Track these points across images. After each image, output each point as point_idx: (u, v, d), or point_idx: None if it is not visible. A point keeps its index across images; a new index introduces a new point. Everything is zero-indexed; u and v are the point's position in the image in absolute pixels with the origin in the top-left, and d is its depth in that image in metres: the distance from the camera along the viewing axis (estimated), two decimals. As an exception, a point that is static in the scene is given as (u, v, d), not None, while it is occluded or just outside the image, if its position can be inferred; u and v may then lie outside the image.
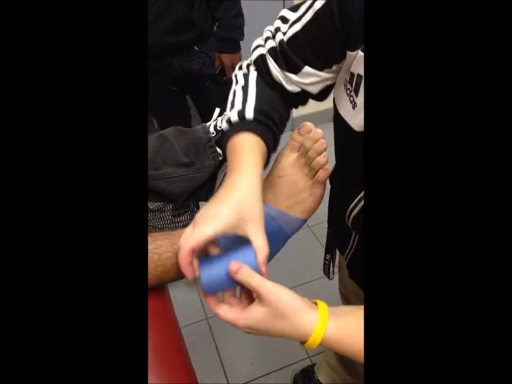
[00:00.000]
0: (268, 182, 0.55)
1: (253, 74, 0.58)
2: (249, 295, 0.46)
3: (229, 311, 0.43)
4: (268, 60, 0.56)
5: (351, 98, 0.49)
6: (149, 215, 1.28)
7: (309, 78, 0.54)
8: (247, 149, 0.49)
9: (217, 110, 0.80)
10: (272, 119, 0.54)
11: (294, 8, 0.54)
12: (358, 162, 0.48)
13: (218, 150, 0.73)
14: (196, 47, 1.38)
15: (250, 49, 0.60)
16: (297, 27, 0.52)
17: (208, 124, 0.79)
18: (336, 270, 0.84)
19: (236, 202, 0.44)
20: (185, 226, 0.62)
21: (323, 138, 0.52)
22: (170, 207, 1.32)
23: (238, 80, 0.58)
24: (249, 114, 0.52)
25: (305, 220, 0.56)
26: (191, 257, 0.43)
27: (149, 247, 0.55)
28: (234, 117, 0.53)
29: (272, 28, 0.57)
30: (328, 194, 0.63)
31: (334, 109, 0.55)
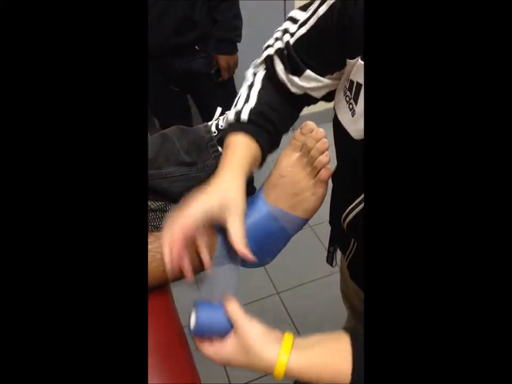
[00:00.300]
0: (270, 182, 0.55)
1: (261, 74, 0.60)
2: None
3: (209, 346, 0.45)
4: (275, 60, 0.57)
5: (350, 106, 0.49)
6: (150, 214, 1.29)
7: (311, 82, 0.55)
8: (236, 149, 0.53)
9: (219, 110, 0.80)
10: (270, 120, 0.56)
11: (304, 8, 0.55)
12: (355, 168, 0.50)
13: (220, 149, 0.73)
14: (197, 47, 1.39)
15: (258, 50, 0.61)
16: (303, 30, 0.53)
17: (210, 123, 0.79)
18: (337, 275, 0.84)
19: (218, 192, 0.48)
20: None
21: (325, 138, 0.52)
22: (172, 206, 1.32)
23: (247, 79, 0.61)
24: (245, 115, 0.55)
25: (307, 219, 0.56)
26: (183, 243, 0.46)
27: (152, 246, 0.55)
28: (231, 117, 0.56)
29: (282, 28, 0.58)
30: (330, 193, 0.63)
31: (334, 114, 0.55)
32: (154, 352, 0.52)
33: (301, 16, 0.54)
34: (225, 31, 1.38)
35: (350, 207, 0.54)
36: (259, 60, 0.61)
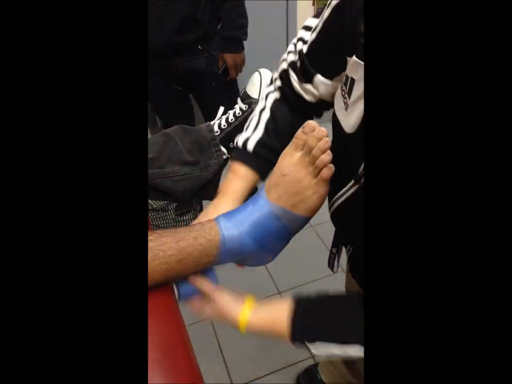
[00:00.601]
0: (271, 180, 0.55)
1: (272, 96, 0.65)
2: None
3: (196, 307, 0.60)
4: (290, 73, 0.61)
5: (345, 100, 0.51)
6: (152, 214, 1.29)
7: (320, 87, 0.58)
8: (237, 179, 0.63)
9: (221, 109, 0.80)
10: (274, 150, 0.62)
11: (318, 15, 0.57)
12: (343, 161, 0.52)
13: (223, 148, 0.73)
14: (200, 47, 1.39)
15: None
16: (314, 36, 0.56)
17: (212, 122, 0.79)
18: (344, 267, 0.85)
19: None
20: (188, 225, 0.62)
21: (327, 137, 0.52)
22: (174, 206, 1.32)
23: (261, 99, 0.67)
24: (250, 146, 0.62)
25: (309, 218, 0.56)
26: None
27: (154, 244, 0.55)
28: (240, 143, 0.64)
29: (295, 40, 0.62)
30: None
31: (333, 112, 0.56)
32: (157, 351, 0.52)
33: (314, 23, 0.57)
34: (231, 30, 1.38)
35: (335, 198, 0.57)
36: (275, 75, 0.65)
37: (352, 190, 0.54)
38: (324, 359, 1.22)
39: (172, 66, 1.42)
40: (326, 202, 0.59)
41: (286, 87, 0.63)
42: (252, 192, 0.64)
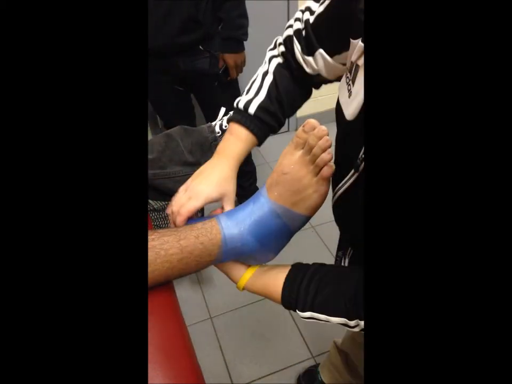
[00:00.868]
0: (272, 179, 0.55)
1: (275, 61, 0.64)
2: None
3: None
4: (294, 41, 0.61)
5: (349, 87, 0.51)
6: (153, 214, 1.29)
7: (319, 61, 0.58)
8: (236, 140, 0.62)
9: (223, 110, 0.80)
10: (274, 116, 0.62)
11: None
12: (345, 150, 0.52)
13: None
14: (201, 47, 1.39)
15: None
16: (321, 8, 0.56)
17: (213, 123, 0.79)
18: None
19: (217, 182, 0.59)
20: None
21: (327, 136, 0.52)
22: (174, 206, 1.32)
23: (265, 62, 0.66)
24: (252, 109, 0.62)
25: (310, 217, 0.56)
26: (186, 221, 0.59)
27: (156, 243, 0.55)
28: (241, 105, 0.63)
29: (303, 7, 0.60)
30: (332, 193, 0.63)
31: (337, 99, 0.56)
32: (158, 351, 0.53)
33: None
34: (230, 30, 1.38)
35: (337, 188, 0.58)
36: (280, 39, 0.64)
37: (352, 179, 0.54)
38: (325, 359, 1.22)
39: (173, 66, 1.42)
40: (327, 201, 0.59)
41: (289, 55, 0.62)
42: (247, 157, 0.65)
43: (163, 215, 1.31)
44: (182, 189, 0.61)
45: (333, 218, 0.66)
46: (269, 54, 0.66)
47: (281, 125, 0.66)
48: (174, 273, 0.56)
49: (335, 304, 0.51)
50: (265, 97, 0.62)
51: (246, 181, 1.79)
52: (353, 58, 0.49)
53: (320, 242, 1.71)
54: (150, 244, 0.54)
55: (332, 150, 0.53)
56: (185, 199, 0.59)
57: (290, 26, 0.62)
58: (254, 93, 0.63)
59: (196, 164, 0.78)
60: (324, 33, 0.56)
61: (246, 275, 0.58)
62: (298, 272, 0.56)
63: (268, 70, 0.64)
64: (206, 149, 0.78)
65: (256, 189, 1.81)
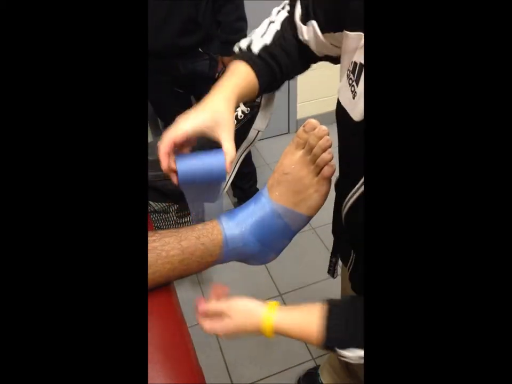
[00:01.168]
0: (273, 179, 0.56)
1: (283, 14, 0.61)
2: None
3: (210, 322, 0.54)
4: (296, 4, 0.59)
5: (352, 88, 0.49)
6: (154, 216, 1.29)
7: (309, 33, 0.57)
8: (235, 75, 0.56)
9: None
10: (278, 62, 0.58)
11: None
12: (356, 154, 0.50)
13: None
14: (200, 49, 1.39)
15: None
16: None
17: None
18: (339, 278, 0.84)
19: (211, 109, 0.50)
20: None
21: (328, 135, 0.52)
22: (175, 208, 1.32)
23: (271, 14, 0.63)
24: (256, 48, 0.58)
25: (311, 217, 0.56)
26: (170, 148, 0.50)
27: (156, 244, 0.55)
28: (244, 45, 0.59)
29: None
30: (333, 197, 0.63)
31: (337, 101, 0.55)
32: (159, 352, 0.53)
33: None
34: (229, 33, 1.38)
35: (347, 198, 0.54)
36: (286, 1, 0.63)
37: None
38: (324, 361, 1.22)
39: (173, 68, 1.43)
40: (327, 203, 0.59)
41: (291, 16, 0.60)
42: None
43: (163, 216, 1.32)
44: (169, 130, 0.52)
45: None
46: (275, 9, 0.63)
47: (283, 76, 0.61)
48: (175, 274, 0.56)
49: None
50: (270, 41, 0.58)
51: (246, 182, 1.79)
52: (356, 58, 0.48)
53: (320, 243, 1.71)
54: (151, 245, 0.54)
55: (332, 150, 0.53)
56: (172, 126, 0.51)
57: None
58: (258, 36, 0.59)
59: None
60: (321, 8, 0.54)
61: (269, 316, 0.51)
62: (334, 311, 0.51)
63: (275, 20, 0.61)
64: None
65: (257, 190, 1.81)
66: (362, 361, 0.48)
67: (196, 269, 0.56)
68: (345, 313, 0.50)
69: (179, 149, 0.52)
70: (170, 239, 0.56)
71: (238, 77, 0.56)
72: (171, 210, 1.26)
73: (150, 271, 0.54)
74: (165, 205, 1.24)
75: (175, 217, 1.27)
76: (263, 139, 1.98)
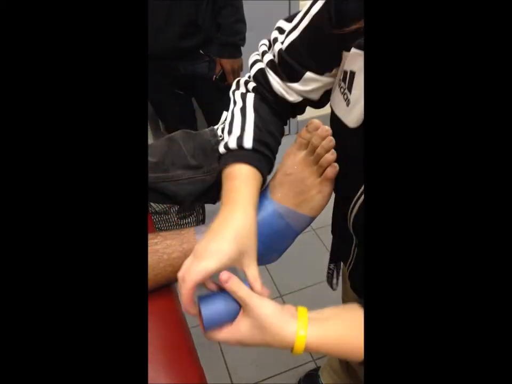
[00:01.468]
0: (276, 180, 0.55)
1: (250, 96, 0.58)
2: None
3: (220, 331, 0.45)
4: (267, 73, 0.56)
5: (345, 96, 0.49)
6: (155, 217, 1.29)
7: (311, 84, 0.54)
8: (244, 182, 0.51)
9: (225, 113, 0.81)
10: (269, 147, 0.55)
11: (290, 19, 0.55)
12: (355, 160, 0.49)
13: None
14: (201, 51, 1.40)
15: (248, 63, 0.60)
16: (295, 34, 0.53)
17: (215, 127, 0.80)
18: (340, 279, 0.84)
19: (235, 237, 0.45)
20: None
21: (331, 136, 0.52)
22: (176, 209, 1.32)
23: (236, 101, 0.59)
24: (248, 144, 0.53)
25: (314, 217, 0.56)
26: (193, 291, 0.44)
27: (158, 247, 0.56)
28: (232, 144, 0.54)
29: (267, 41, 0.58)
30: (332, 198, 0.63)
31: (331, 112, 0.55)
32: (161, 352, 0.53)
33: (288, 25, 0.54)
34: (228, 35, 1.39)
35: (353, 203, 0.53)
36: (244, 79, 0.60)
37: None
38: (325, 363, 1.22)
39: (173, 70, 1.43)
40: (329, 205, 0.59)
41: (263, 89, 0.58)
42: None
43: (164, 217, 1.32)
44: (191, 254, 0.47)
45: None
46: (237, 93, 0.60)
47: (275, 158, 0.58)
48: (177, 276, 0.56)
49: None
50: (254, 130, 0.55)
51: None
52: (346, 66, 0.48)
53: (321, 245, 1.72)
54: (153, 247, 0.54)
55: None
56: (192, 262, 0.45)
57: (259, 61, 0.58)
58: (239, 130, 0.55)
59: (198, 167, 0.78)
60: (308, 56, 0.53)
61: (301, 329, 0.42)
62: None
63: (244, 105, 0.58)
64: (208, 152, 0.78)
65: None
66: None
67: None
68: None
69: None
70: (172, 242, 0.56)
71: (248, 184, 0.51)
72: (172, 211, 1.26)
73: (152, 273, 0.54)
74: (165, 206, 1.24)
75: (175, 219, 1.27)
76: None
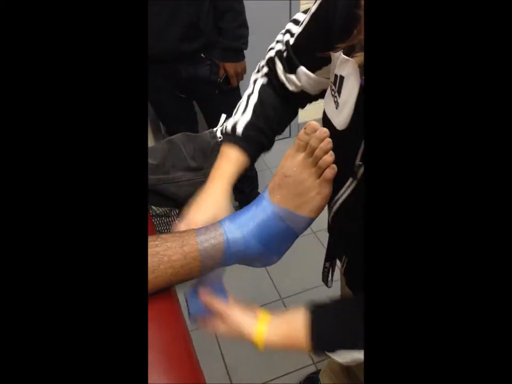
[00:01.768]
0: (274, 182, 0.56)
1: (260, 81, 0.67)
2: None
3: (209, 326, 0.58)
4: (275, 62, 0.63)
5: (335, 99, 0.52)
6: (156, 220, 1.30)
7: (303, 78, 0.60)
8: (225, 161, 0.63)
9: (223, 116, 0.81)
10: (263, 132, 0.64)
11: (306, 11, 0.59)
12: (338, 159, 0.52)
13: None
14: (202, 55, 1.40)
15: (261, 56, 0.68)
16: (300, 29, 0.59)
17: (215, 129, 0.80)
18: (338, 277, 0.84)
19: (212, 208, 0.59)
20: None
21: (329, 137, 0.52)
22: (176, 212, 1.33)
23: (250, 85, 0.68)
24: (240, 129, 0.63)
25: (313, 219, 0.56)
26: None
27: (159, 249, 0.55)
28: (228, 127, 0.64)
29: (284, 30, 0.64)
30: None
31: (323, 112, 0.57)
32: (160, 354, 0.53)
33: (302, 17, 0.60)
34: (231, 40, 1.39)
35: (334, 200, 0.58)
36: (263, 62, 0.67)
37: (350, 188, 0.54)
38: (325, 366, 1.22)
39: (175, 73, 1.43)
40: (326, 208, 0.59)
41: (271, 74, 0.65)
42: (242, 175, 0.65)
43: (165, 220, 1.32)
44: (182, 223, 0.60)
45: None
46: (254, 77, 0.68)
47: (272, 141, 0.67)
48: (178, 278, 0.56)
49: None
50: (251, 115, 0.63)
51: (248, 186, 1.79)
52: (336, 71, 0.51)
53: (321, 247, 1.71)
54: (154, 250, 0.54)
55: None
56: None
57: (272, 48, 0.65)
58: (240, 114, 0.64)
59: (198, 169, 0.78)
60: (305, 51, 0.58)
61: (260, 329, 0.54)
62: (319, 316, 0.53)
63: (252, 91, 0.66)
64: (208, 154, 0.79)
65: (257, 194, 1.81)
66: (354, 363, 0.50)
67: (198, 274, 0.56)
68: (329, 317, 0.52)
69: None
70: (173, 244, 0.56)
71: (229, 164, 0.63)
72: (172, 214, 1.26)
73: (152, 275, 0.54)
74: (166, 209, 1.24)
75: (176, 221, 1.28)
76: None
